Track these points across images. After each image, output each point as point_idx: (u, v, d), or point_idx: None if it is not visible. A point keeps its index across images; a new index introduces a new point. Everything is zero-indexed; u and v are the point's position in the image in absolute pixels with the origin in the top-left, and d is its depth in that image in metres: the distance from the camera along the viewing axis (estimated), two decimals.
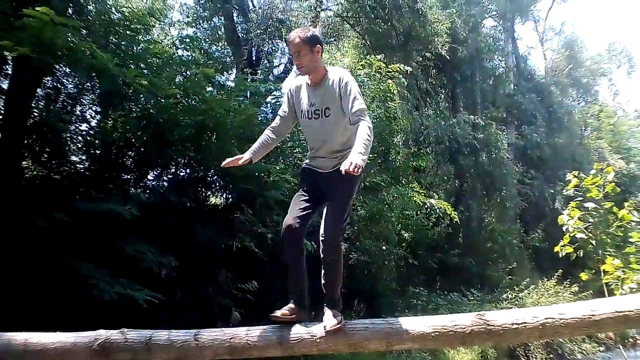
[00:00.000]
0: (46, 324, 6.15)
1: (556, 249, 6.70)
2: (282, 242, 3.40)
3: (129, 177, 8.89)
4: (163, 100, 8.20)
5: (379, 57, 13.44)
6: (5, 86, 7.66)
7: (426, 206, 14.27)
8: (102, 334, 2.98)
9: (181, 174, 8.95)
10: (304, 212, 3.36)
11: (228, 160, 3.63)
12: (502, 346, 12.37)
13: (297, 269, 3.43)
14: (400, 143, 14.58)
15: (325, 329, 3.09)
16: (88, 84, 8.67)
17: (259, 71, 14.80)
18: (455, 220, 14.55)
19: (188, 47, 10.55)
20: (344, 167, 2.92)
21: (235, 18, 18.14)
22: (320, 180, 3.47)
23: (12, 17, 6.09)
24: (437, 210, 14.80)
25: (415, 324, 3.04)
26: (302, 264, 3.43)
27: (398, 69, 13.26)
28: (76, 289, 6.76)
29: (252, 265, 8.93)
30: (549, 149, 24.49)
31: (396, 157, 13.80)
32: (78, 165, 8.90)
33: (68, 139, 8.50)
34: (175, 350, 3.03)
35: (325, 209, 3.37)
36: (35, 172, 8.73)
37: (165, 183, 8.98)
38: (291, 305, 3.30)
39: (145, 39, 8.99)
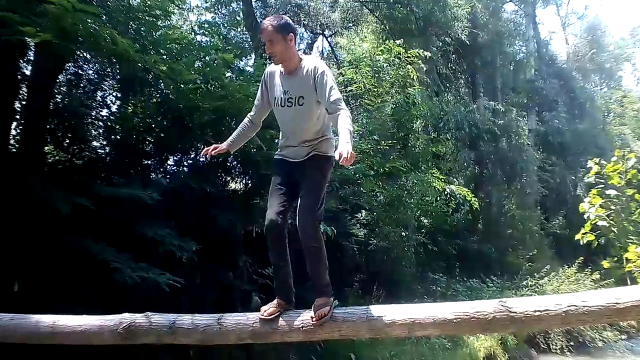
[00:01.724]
0: (71, 307, 6.27)
1: (577, 236, 6.64)
2: (267, 237, 3.39)
3: (149, 162, 8.95)
4: (182, 86, 8.21)
5: (398, 42, 13.31)
6: (27, 72, 7.69)
7: (446, 192, 14.18)
8: (127, 317, 3.01)
9: (201, 159, 8.96)
10: (284, 206, 3.38)
11: (206, 149, 3.68)
12: (522, 333, 12.34)
13: (281, 264, 3.43)
14: (420, 129, 14.46)
15: (312, 319, 3.09)
16: (109, 69, 8.71)
17: None
18: (475, 206, 14.43)
19: (207, 32, 10.54)
20: (337, 157, 2.93)
21: (253, 3, 18.09)
22: (294, 170, 3.47)
23: (33, 4, 6.11)
24: (457, 196, 14.71)
25: (437, 309, 3.03)
26: (287, 257, 3.44)
27: (417, 54, 13.13)
28: (98, 273, 6.85)
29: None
30: (570, 135, 24.16)
31: (415, 143, 13.70)
32: (99, 151, 8.98)
33: (89, 124, 8.57)
34: (198, 334, 3.05)
35: (300, 197, 3.36)
36: (57, 157, 8.83)
37: (185, 168, 9.02)
38: (277, 300, 3.30)
39: (165, 24, 9.00)
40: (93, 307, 6.33)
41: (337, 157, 2.94)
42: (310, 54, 18.89)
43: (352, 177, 10.84)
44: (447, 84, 21.12)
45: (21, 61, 7.39)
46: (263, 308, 3.20)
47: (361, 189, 11.12)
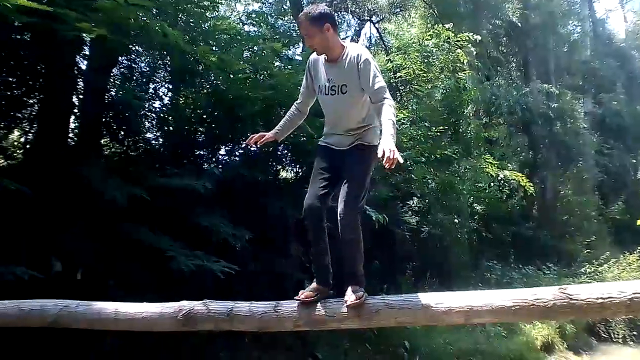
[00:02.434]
0: (130, 294, 6.45)
1: (639, 222, 6.39)
2: (304, 221, 3.37)
3: (201, 152, 9.09)
4: (232, 76, 8.29)
5: (447, 26, 13.09)
6: (83, 67, 7.90)
7: (499, 178, 13.90)
8: (186, 305, 3.06)
9: (252, 148, 9.04)
10: (324, 191, 3.34)
11: (251, 137, 3.67)
12: (581, 321, 12.01)
13: (320, 248, 3.40)
14: (471, 114, 14.21)
15: (346, 304, 3.06)
16: (160, 62, 8.87)
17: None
18: (530, 192, 14.08)
19: (254, 22, 10.59)
20: (380, 154, 2.89)
21: None
22: (338, 157, 3.43)
23: (88, 0, 6.25)
24: (511, 182, 14.41)
25: (495, 297, 2.96)
26: (325, 242, 3.40)
27: (467, 38, 12.85)
28: (155, 261, 7.01)
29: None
30: (629, 118, 23.18)
31: (467, 129, 13.47)
32: (153, 142, 9.18)
33: (143, 116, 8.75)
34: (255, 321, 3.08)
35: (342, 186, 3.31)
36: (113, 149, 9.06)
37: (236, 158, 9.11)
38: (315, 285, 3.28)
39: (213, 15, 9.07)
40: (150, 294, 6.53)
41: (379, 155, 2.90)
42: (358, 40, 18.76)
43: (404, 164, 10.73)
44: (499, 68, 20.60)
45: (77, 56, 7.59)
46: (301, 292, 3.19)
47: (412, 175, 11.01)
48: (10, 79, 7.29)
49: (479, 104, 15.87)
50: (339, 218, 3.23)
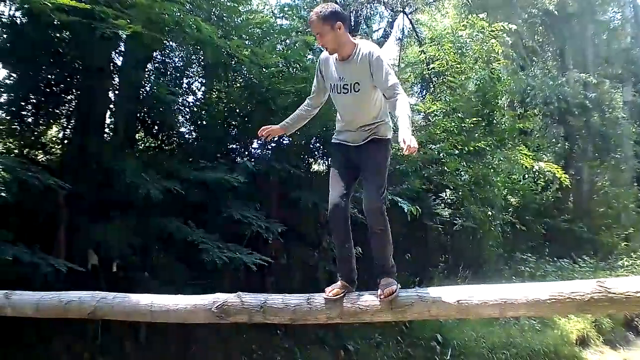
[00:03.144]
0: (164, 285, 6.58)
1: None
2: (329, 220, 3.41)
3: (234, 146, 9.17)
4: (265, 70, 8.34)
5: (481, 16, 12.88)
6: (119, 63, 8.04)
7: (534, 170, 13.68)
8: (220, 297, 3.11)
9: (284, 142, 9.09)
10: (346, 189, 3.40)
11: (261, 130, 3.71)
12: (618, 316, 11.78)
13: (346, 247, 3.43)
14: (505, 105, 13.99)
15: (380, 297, 3.06)
16: (194, 56, 8.96)
17: (358, 36, 14.62)
18: (565, 183, 13.82)
19: (287, 15, 10.63)
20: (401, 144, 2.93)
21: None
22: (353, 153, 3.45)
23: None
24: (546, 173, 14.17)
25: (530, 289, 2.93)
26: (350, 240, 3.44)
27: (502, 27, 12.63)
28: (188, 253, 7.14)
29: (355, 231, 9.01)
30: None
31: (501, 120, 13.27)
32: (186, 136, 9.30)
33: (176, 111, 8.86)
34: (289, 313, 3.12)
35: (363, 181, 3.33)
36: (147, 144, 9.21)
37: (269, 151, 9.17)
38: (341, 282, 3.30)
39: (246, 9, 9.11)
40: (184, 286, 6.65)
41: (401, 144, 2.92)
42: (391, 32, 18.62)
43: (436, 156, 10.67)
44: (534, 57, 20.21)
45: (113, 53, 7.73)
46: (327, 289, 3.22)
47: (445, 168, 10.92)
48: (50, 76, 7.47)
49: (514, 95, 15.62)
50: (365, 212, 3.26)
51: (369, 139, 3.40)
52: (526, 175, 13.90)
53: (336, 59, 3.41)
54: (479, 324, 9.82)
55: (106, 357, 6.69)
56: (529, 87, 16.85)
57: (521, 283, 3.10)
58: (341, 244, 3.44)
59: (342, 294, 3.20)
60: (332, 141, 3.65)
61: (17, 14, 6.78)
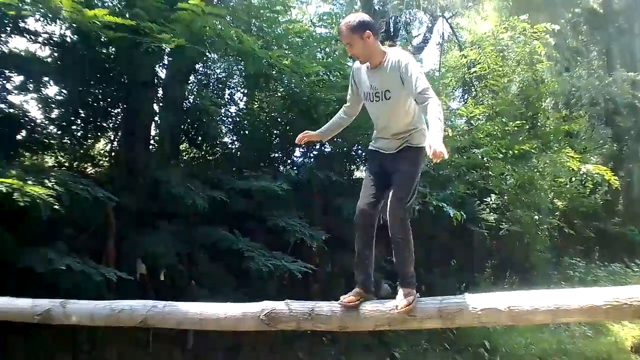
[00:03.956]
0: (210, 293, 6.68)
1: None
2: (355, 226, 3.39)
3: (277, 155, 9.26)
4: (306, 78, 8.38)
5: (522, 17, 12.66)
6: (163, 76, 8.21)
7: (581, 172, 13.33)
8: (268, 305, 3.13)
9: (326, 149, 9.12)
10: (375, 197, 3.36)
11: (301, 135, 3.73)
12: None
13: (365, 254, 3.40)
14: (550, 107, 13.71)
15: (397, 309, 3.02)
16: (235, 67, 9.09)
17: (398, 43, 14.60)
18: (615, 186, 13.43)
19: (326, 24, 10.66)
20: (427, 149, 2.89)
21: None
22: (386, 161, 3.42)
23: (166, 12, 6.51)
24: (594, 176, 13.80)
25: (584, 295, 2.85)
26: (372, 248, 3.41)
27: (544, 28, 12.39)
28: (233, 261, 7.22)
29: None
30: None
31: (546, 122, 13.01)
32: (230, 146, 9.43)
33: (219, 121, 9.01)
34: (336, 321, 3.11)
35: (391, 188, 3.30)
36: (191, 154, 9.38)
37: (311, 159, 9.21)
38: (357, 289, 3.26)
39: (285, 19, 9.20)
40: (230, 293, 6.74)
41: (427, 149, 2.89)
42: (431, 37, 18.54)
43: (480, 160, 10.53)
44: (579, 58, 19.73)
45: (157, 66, 7.91)
46: (343, 297, 3.20)
47: (490, 172, 10.76)
48: (97, 91, 7.69)
49: (558, 97, 15.29)
50: (387, 219, 3.25)
51: (402, 146, 3.39)
52: (573, 178, 13.52)
53: (368, 67, 3.43)
54: (528, 330, 9.61)
55: None
56: (574, 88, 16.47)
57: (574, 289, 3.02)
58: (361, 250, 3.44)
59: (357, 302, 3.18)
60: (369, 148, 3.66)
61: (67, 32, 7.00)
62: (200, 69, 9.00)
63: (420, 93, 3.16)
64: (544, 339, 9.76)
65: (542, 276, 11.62)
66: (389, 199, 3.27)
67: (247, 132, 9.00)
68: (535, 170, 11.58)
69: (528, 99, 11.81)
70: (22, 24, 6.69)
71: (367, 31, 3.27)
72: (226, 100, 9.27)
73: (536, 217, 11.99)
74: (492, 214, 11.78)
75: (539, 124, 12.35)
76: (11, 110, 6.83)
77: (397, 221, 3.24)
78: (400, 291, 3.15)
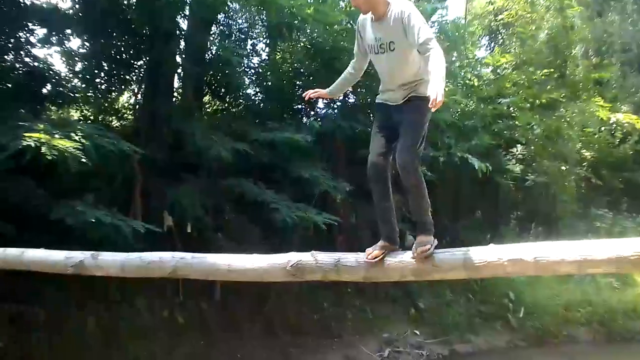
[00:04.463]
0: (236, 245, 6.75)
1: None
2: (369, 180, 3.34)
3: (300, 106, 9.18)
4: (329, 28, 8.24)
5: None
6: (184, 27, 8.13)
7: (611, 122, 13.04)
8: (294, 256, 3.12)
9: (350, 100, 9.03)
10: (385, 148, 3.29)
11: (307, 93, 3.67)
12: None
13: (384, 206, 3.35)
14: (580, 54, 13.31)
15: (414, 255, 2.99)
16: (257, 17, 8.95)
17: None
18: None
19: None
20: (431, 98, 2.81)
21: None
22: (393, 112, 3.36)
23: None
24: (624, 125, 13.47)
25: (612, 246, 2.78)
26: (390, 199, 3.35)
27: None
28: (259, 213, 7.27)
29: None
30: None
31: (575, 70, 12.67)
32: (253, 98, 9.37)
33: (242, 73, 8.92)
34: (362, 272, 3.10)
35: (399, 137, 3.24)
36: (215, 106, 9.35)
37: (335, 111, 9.13)
38: (382, 242, 3.23)
39: None
40: (255, 245, 6.81)
41: (430, 97, 2.84)
42: None
43: (506, 110, 10.35)
44: (612, 2, 19.07)
45: (178, 17, 7.80)
46: (368, 250, 3.18)
47: (516, 122, 10.58)
48: (119, 44, 7.65)
49: (589, 43, 14.83)
50: (398, 166, 3.22)
51: (408, 97, 3.34)
52: (602, 128, 13.24)
53: (372, 19, 3.37)
54: (552, 281, 9.62)
55: (184, 314, 6.98)
56: (605, 34, 15.95)
57: (602, 239, 2.96)
58: (379, 203, 3.40)
59: (382, 255, 3.17)
60: (376, 101, 3.61)
61: None
62: (222, 19, 8.87)
63: (423, 44, 3.10)
64: (569, 290, 9.77)
65: (568, 227, 11.51)
66: (398, 148, 3.24)
67: (270, 83, 8.92)
68: (563, 120, 11.36)
69: (557, 47, 11.50)
70: None
71: None
72: (248, 51, 9.15)
73: (563, 167, 11.81)
74: (518, 164, 11.65)
75: (567, 72, 12.03)
76: (36, 64, 6.83)
77: (408, 167, 3.21)
78: (417, 238, 3.13)
